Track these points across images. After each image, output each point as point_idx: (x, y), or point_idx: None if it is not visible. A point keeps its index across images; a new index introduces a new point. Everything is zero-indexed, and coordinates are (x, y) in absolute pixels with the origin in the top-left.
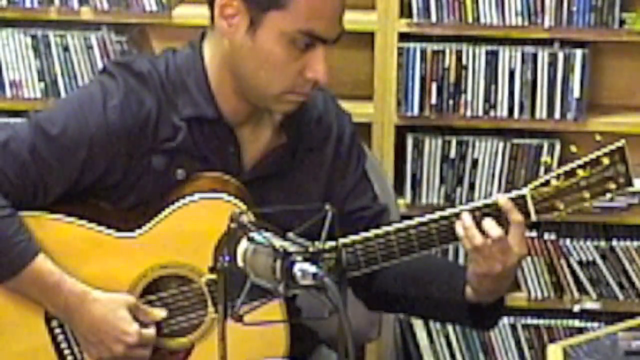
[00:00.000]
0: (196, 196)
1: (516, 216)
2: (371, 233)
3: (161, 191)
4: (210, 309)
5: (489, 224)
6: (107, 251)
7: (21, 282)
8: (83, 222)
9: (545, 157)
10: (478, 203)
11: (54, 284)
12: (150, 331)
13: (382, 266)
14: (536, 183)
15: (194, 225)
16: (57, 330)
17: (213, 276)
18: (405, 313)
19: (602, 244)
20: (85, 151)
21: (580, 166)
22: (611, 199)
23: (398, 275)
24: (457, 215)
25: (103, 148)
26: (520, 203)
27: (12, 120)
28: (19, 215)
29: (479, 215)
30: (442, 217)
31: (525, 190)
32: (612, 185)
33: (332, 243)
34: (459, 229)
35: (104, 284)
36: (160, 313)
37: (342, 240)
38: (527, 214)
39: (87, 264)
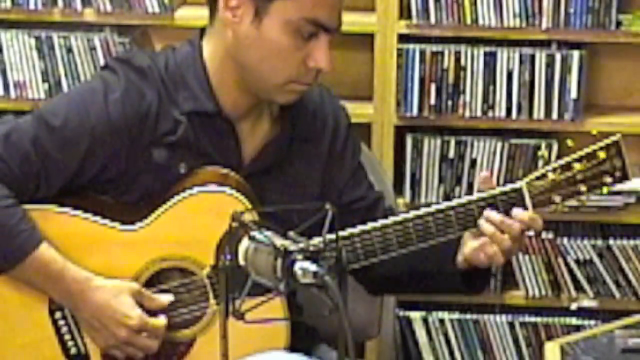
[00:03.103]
0: (197, 189)
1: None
2: (369, 226)
3: (163, 185)
4: (212, 301)
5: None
6: (110, 244)
7: (25, 270)
8: (86, 214)
9: (542, 151)
10: (482, 194)
11: (57, 271)
12: (160, 320)
13: (380, 259)
14: (533, 176)
15: (195, 218)
16: (61, 322)
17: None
18: (405, 291)
19: (599, 242)
20: (86, 143)
21: (576, 160)
22: (607, 193)
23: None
24: (453, 208)
25: (104, 140)
26: (517, 196)
27: None
28: (22, 205)
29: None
30: (439, 210)
31: (522, 183)
32: (609, 179)
33: (331, 236)
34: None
35: (107, 276)
36: (165, 299)
37: (340, 234)
38: (524, 207)
39: (90, 257)
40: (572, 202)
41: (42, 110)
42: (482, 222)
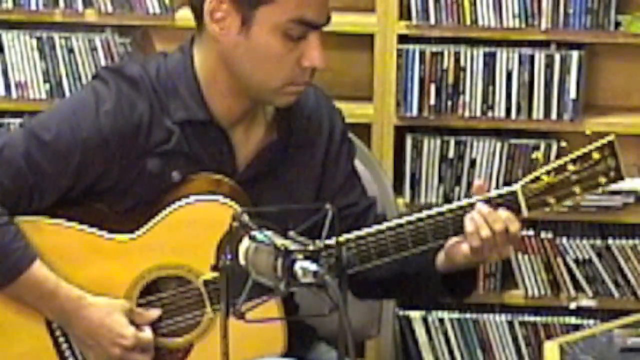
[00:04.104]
0: (192, 198)
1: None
2: (365, 231)
3: (157, 193)
4: (208, 309)
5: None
6: (105, 254)
7: (18, 289)
8: (80, 225)
9: (536, 153)
10: (471, 200)
11: (50, 290)
12: (147, 334)
13: (376, 264)
14: (527, 179)
15: (190, 227)
16: (58, 332)
17: (210, 276)
18: (391, 296)
19: (598, 242)
20: (78, 156)
21: (570, 161)
22: (602, 193)
23: None
24: (450, 211)
25: (97, 153)
26: (511, 199)
27: (18, 120)
28: (15, 222)
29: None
30: (435, 214)
31: (516, 187)
32: (603, 180)
33: (331, 241)
34: (471, 220)
35: (102, 286)
36: (154, 313)
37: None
38: (518, 210)
39: (85, 267)
40: (567, 203)
41: (33, 124)
42: (472, 212)
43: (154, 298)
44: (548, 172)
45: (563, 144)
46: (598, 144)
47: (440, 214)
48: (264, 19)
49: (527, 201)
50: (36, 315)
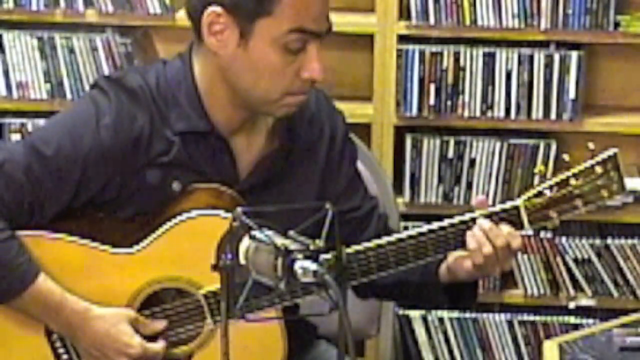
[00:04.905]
0: (193, 212)
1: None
2: (366, 245)
3: (158, 204)
4: (209, 319)
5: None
6: (105, 267)
7: (23, 303)
8: (81, 239)
9: (539, 166)
10: (466, 217)
11: (56, 303)
12: (157, 345)
13: (377, 276)
14: (530, 194)
15: (191, 241)
16: (58, 344)
17: (210, 289)
18: (392, 299)
19: (598, 242)
20: (79, 171)
21: (573, 176)
22: (603, 204)
23: None
24: (452, 225)
25: (97, 167)
26: (513, 214)
27: (19, 120)
28: (17, 237)
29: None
30: (436, 229)
31: (518, 201)
32: (605, 193)
33: (333, 253)
34: (473, 236)
35: (103, 299)
36: (160, 324)
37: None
38: (520, 225)
39: (86, 281)
40: (569, 217)
41: (34, 137)
42: (474, 228)
43: (158, 309)
44: (550, 187)
45: (566, 157)
46: (601, 157)
47: (442, 228)
48: (263, 31)
49: (529, 216)
50: (36, 325)
